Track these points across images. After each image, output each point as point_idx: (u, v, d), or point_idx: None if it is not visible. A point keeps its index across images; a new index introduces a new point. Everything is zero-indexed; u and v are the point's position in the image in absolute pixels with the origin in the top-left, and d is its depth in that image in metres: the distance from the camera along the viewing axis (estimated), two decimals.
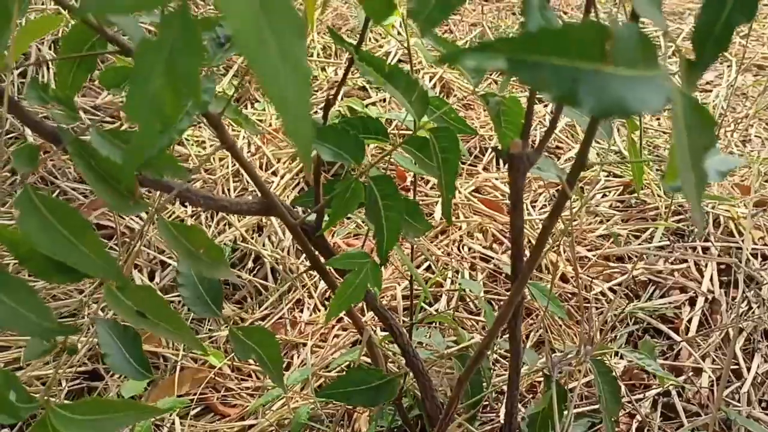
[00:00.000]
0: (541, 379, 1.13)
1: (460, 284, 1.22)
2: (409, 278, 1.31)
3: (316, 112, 1.74)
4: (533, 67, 0.34)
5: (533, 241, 0.61)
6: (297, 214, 0.77)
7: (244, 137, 1.64)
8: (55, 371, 1.14)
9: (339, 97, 1.69)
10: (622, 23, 0.35)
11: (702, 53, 0.42)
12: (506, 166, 0.67)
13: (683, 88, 0.43)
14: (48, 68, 1.62)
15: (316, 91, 1.81)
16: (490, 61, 0.34)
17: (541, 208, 1.49)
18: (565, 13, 2.24)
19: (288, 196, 1.50)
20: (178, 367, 1.21)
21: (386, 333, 0.95)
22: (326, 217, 0.77)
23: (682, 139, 0.36)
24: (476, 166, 1.60)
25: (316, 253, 0.80)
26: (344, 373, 1.19)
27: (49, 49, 1.72)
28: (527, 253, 1.22)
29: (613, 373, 0.92)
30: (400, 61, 1.89)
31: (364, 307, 1.19)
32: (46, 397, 0.55)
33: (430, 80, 1.81)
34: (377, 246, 0.73)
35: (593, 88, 0.34)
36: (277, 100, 0.32)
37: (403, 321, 1.28)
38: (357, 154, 0.71)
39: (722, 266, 1.38)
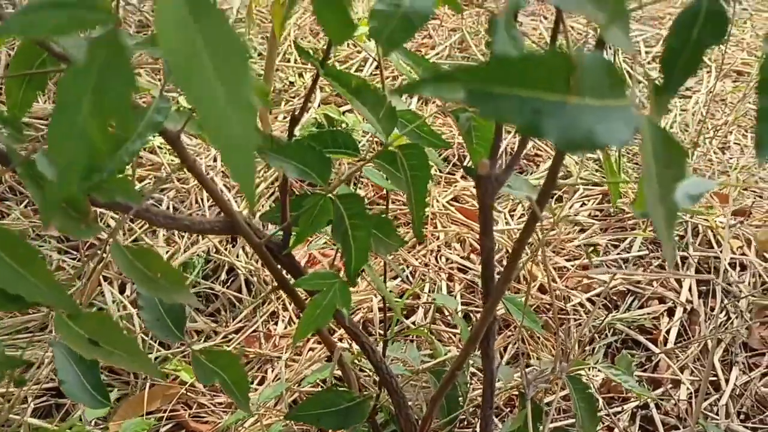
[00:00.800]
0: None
1: (435, 299, 1.20)
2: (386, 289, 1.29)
3: (293, 112, 1.71)
4: (495, 98, 0.32)
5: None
6: (263, 233, 0.75)
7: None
8: (9, 390, 1.10)
9: (316, 104, 1.67)
10: (588, 52, 0.33)
11: (671, 77, 0.41)
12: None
13: (652, 115, 0.41)
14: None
15: (293, 97, 1.78)
16: (449, 92, 0.33)
17: (519, 217, 1.47)
18: (546, 17, 2.23)
19: (262, 206, 1.47)
20: (148, 383, 1.18)
21: None
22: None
23: (651, 171, 0.34)
24: (454, 175, 1.58)
25: (285, 272, 0.78)
26: (317, 389, 1.17)
27: (6, 68, 1.69)
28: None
29: (590, 390, 0.90)
30: (377, 66, 1.87)
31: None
32: None
33: None
34: (345, 266, 0.71)
35: (558, 119, 0.32)
36: (219, 139, 0.30)
37: (380, 333, 1.26)
38: (323, 171, 0.68)
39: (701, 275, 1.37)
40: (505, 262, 0.76)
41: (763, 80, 0.33)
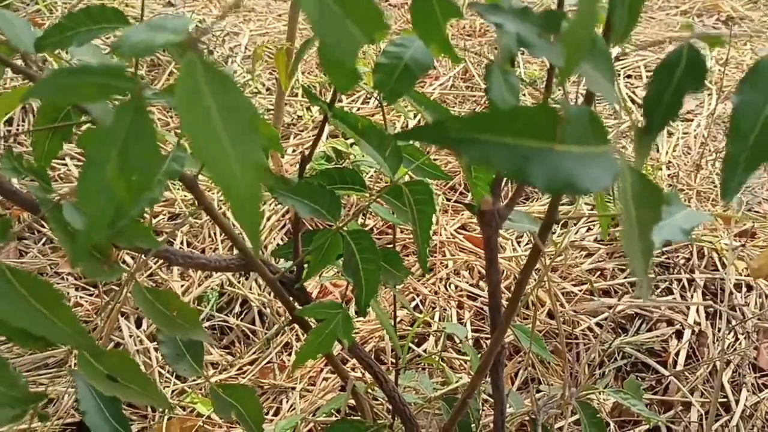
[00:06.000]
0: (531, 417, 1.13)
1: (444, 328, 1.22)
2: (396, 318, 1.31)
3: (302, 152, 1.75)
4: (484, 145, 0.35)
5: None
6: (276, 268, 0.78)
7: None
8: (31, 426, 1.13)
9: (324, 138, 1.70)
10: (574, 105, 0.36)
11: (653, 120, 0.44)
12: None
13: (636, 157, 0.44)
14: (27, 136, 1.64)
15: (302, 130, 1.82)
16: (442, 140, 0.35)
17: (526, 244, 1.49)
18: None
19: (274, 238, 1.50)
20: (165, 417, 1.20)
21: None
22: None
23: (630, 211, 0.37)
24: (461, 203, 1.61)
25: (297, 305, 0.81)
26: (332, 418, 1.19)
27: (33, 116, 1.74)
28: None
29: (599, 415, 0.92)
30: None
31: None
32: None
33: (414, 117, 1.83)
34: (356, 300, 0.74)
35: (544, 165, 0.35)
36: (229, 195, 0.33)
37: (392, 362, 1.28)
38: (333, 209, 0.71)
39: (708, 297, 1.38)
40: (513, 290, 0.78)
41: (733, 127, 0.35)
